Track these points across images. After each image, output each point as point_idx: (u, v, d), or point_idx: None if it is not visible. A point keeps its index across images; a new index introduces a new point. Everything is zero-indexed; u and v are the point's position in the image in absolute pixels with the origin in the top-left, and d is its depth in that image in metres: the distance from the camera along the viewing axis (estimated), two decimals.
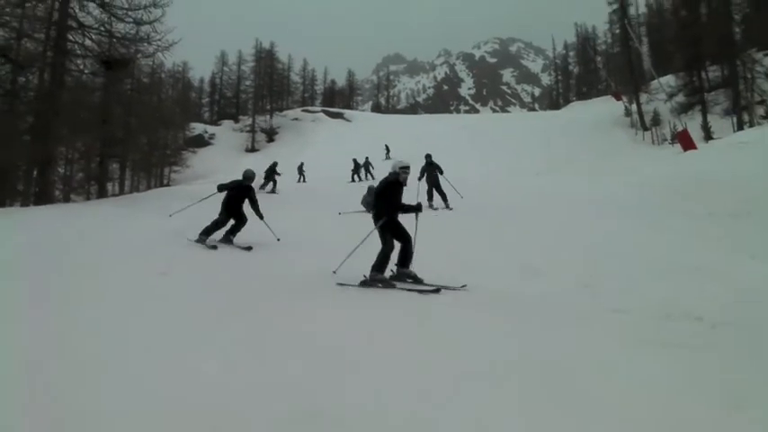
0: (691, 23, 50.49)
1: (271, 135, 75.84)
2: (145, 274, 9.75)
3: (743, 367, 5.54)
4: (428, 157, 21.24)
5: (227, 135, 75.90)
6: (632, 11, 66.26)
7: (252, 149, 73.01)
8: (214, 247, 12.74)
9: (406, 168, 9.71)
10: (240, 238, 13.48)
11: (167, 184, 59.82)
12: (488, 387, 5.04)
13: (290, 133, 74.16)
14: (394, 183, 9.62)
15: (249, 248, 12.35)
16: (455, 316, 7.40)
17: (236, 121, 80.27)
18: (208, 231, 13.21)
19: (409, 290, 8.83)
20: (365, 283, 9.16)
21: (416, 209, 9.64)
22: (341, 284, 9.06)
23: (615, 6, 61.89)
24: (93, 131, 32.05)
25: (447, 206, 19.79)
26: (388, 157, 47.67)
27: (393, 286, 9.13)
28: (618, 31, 63.98)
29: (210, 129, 77.77)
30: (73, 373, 5.35)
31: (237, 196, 13.75)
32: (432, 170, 20.85)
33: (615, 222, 15.85)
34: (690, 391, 4.93)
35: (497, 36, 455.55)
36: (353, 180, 38.84)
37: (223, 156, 68.36)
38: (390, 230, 9.52)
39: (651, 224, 14.95)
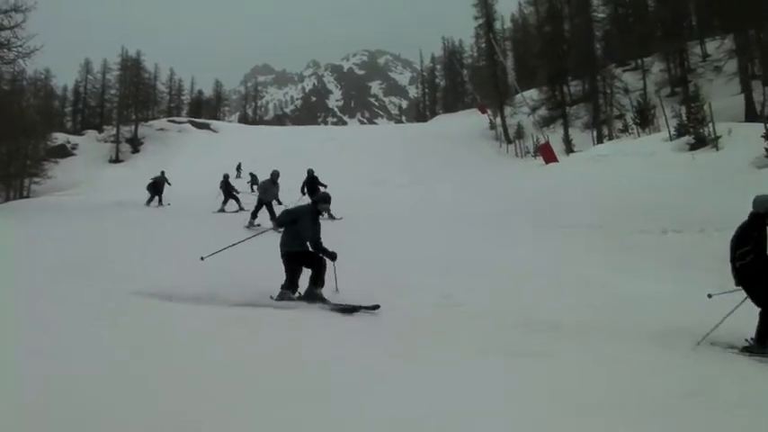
0: (554, 39, 52.26)
1: (136, 146, 73.45)
2: None
3: (591, 373, 5.77)
4: (310, 171, 22.32)
5: (90, 145, 72.66)
6: (498, 25, 67.96)
7: (116, 160, 70.21)
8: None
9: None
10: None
11: (28, 196, 57.15)
12: (327, 400, 4.85)
13: (156, 144, 71.90)
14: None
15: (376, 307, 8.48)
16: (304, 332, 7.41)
17: (101, 131, 76.85)
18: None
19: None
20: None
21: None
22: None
23: (481, 21, 62.92)
24: None
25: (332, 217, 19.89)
26: (238, 176, 45.16)
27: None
28: (484, 44, 65.26)
29: (73, 139, 74.08)
30: None
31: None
32: (314, 184, 21.72)
33: (476, 234, 16.42)
34: (543, 397, 5.01)
35: (366, 48, 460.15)
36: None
37: (86, 166, 65.45)
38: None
39: (512, 236, 15.64)
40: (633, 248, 12.74)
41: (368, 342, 7.11)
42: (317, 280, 9.14)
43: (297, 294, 9.17)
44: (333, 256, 9.21)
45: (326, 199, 9.82)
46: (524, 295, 9.11)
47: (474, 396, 5.07)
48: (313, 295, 9.06)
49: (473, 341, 6.96)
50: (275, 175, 20.27)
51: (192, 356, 5.95)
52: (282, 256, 9.29)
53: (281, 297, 8.98)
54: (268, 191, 20.03)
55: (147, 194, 27.73)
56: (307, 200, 20.04)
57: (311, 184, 22.04)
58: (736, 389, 5.42)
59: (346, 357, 6.33)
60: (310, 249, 9.32)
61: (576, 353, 6.47)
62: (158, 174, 29.56)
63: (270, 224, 16.96)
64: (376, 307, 8.41)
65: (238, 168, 45.85)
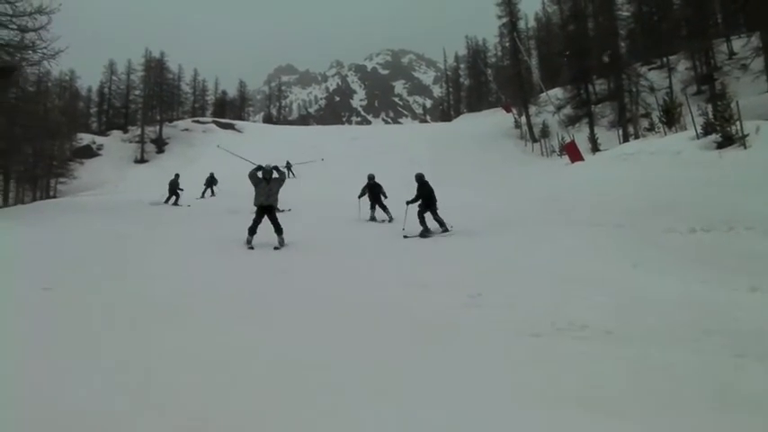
0: (578, 37, 52.04)
1: (160, 146, 73.68)
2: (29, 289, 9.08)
3: (617, 375, 5.70)
4: (420, 177, 18.63)
5: (115, 146, 73.13)
6: (522, 24, 68.00)
7: (141, 160, 70.47)
8: None
9: None
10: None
11: (54, 196, 57.57)
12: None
13: (181, 144, 72.17)
14: None
15: None
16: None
17: (126, 131, 77.19)
18: None
19: None
20: None
21: None
22: None
23: (505, 20, 62.50)
24: None
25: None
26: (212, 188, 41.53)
27: None
28: (507, 44, 64.60)
29: (99, 139, 74.71)
30: None
31: None
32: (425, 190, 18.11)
33: (503, 232, 16.35)
34: (566, 397, 5.08)
35: (389, 48, 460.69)
36: (203, 196, 37.18)
37: (112, 166, 65.99)
38: None
39: (539, 235, 15.48)
40: (661, 247, 12.55)
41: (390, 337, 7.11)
42: None
43: None
44: None
45: None
46: (551, 294, 9.01)
47: (494, 394, 5.18)
48: None
49: (498, 340, 6.96)
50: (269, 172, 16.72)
51: None
52: None
53: None
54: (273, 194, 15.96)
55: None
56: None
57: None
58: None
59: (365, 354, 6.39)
60: None
61: (603, 354, 6.39)
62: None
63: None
64: None
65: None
